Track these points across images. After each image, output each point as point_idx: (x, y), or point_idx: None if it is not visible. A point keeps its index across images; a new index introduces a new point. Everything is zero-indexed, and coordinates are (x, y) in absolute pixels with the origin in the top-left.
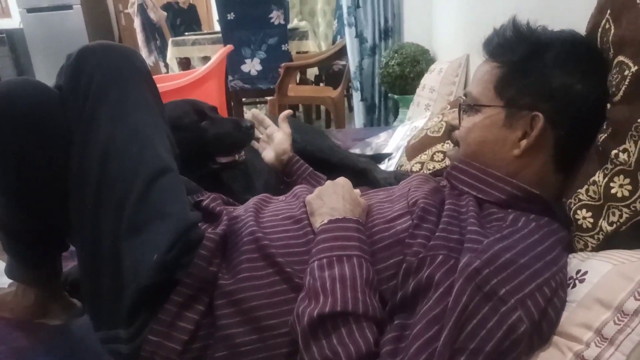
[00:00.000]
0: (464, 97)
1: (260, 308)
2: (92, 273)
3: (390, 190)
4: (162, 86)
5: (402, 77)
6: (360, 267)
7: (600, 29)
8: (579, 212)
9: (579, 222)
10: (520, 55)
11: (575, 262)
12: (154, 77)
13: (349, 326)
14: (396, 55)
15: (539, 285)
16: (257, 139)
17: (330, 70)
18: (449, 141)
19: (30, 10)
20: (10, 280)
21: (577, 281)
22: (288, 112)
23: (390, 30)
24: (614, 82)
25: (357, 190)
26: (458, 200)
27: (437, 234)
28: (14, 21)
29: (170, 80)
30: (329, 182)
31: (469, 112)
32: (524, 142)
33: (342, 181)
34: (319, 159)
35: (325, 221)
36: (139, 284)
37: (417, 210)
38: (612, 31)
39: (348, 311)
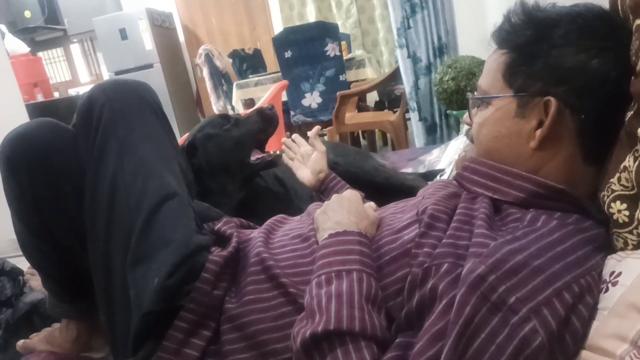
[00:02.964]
0: (473, 93)
1: (265, 332)
2: (106, 306)
3: (409, 201)
4: None
5: (458, 92)
6: (360, 281)
7: None
8: (612, 205)
9: (615, 217)
10: (527, 37)
11: (612, 263)
12: None
13: (346, 346)
14: (450, 70)
15: (558, 291)
16: (292, 159)
17: (392, 95)
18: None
19: (118, 73)
20: None
21: (610, 285)
22: (317, 128)
23: (445, 47)
24: (633, 51)
25: (371, 203)
26: (471, 204)
27: (443, 240)
28: None
29: None
30: (335, 195)
31: (480, 107)
32: (539, 132)
33: (349, 194)
34: (363, 180)
35: (326, 235)
36: (142, 311)
37: (425, 218)
38: None
39: (342, 330)
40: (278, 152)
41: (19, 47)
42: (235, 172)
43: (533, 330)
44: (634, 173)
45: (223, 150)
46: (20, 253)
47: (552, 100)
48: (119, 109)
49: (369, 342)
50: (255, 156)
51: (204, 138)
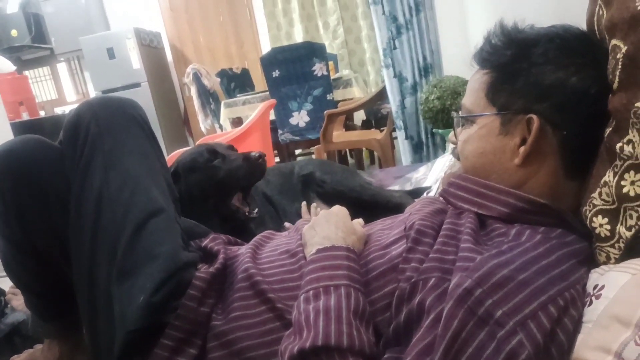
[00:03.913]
0: (458, 112)
1: (252, 349)
2: (90, 322)
3: (397, 217)
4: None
5: (443, 111)
6: (348, 297)
7: (595, 18)
8: (594, 219)
9: (597, 231)
10: (508, 57)
11: (595, 276)
12: (208, 137)
13: None
14: (435, 89)
15: (543, 304)
16: None
17: (379, 114)
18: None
19: (105, 92)
20: None
21: (593, 298)
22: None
23: (430, 67)
24: (610, 69)
25: (360, 220)
26: (457, 219)
27: (430, 255)
28: None
29: (215, 138)
30: (323, 211)
31: (465, 125)
32: (522, 149)
33: (336, 209)
34: (350, 197)
35: (314, 251)
36: (126, 329)
37: (412, 233)
38: (604, 16)
39: (330, 345)
40: (255, 214)
41: (5, 65)
42: (214, 209)
43: (520, 344)
44: (614, 188)
45: (204, 186)
46: (3, 274)
47: (534, 117)
48: (105, 124)
49: (356, 358)
50: (235, 204)
51: (187, 169)
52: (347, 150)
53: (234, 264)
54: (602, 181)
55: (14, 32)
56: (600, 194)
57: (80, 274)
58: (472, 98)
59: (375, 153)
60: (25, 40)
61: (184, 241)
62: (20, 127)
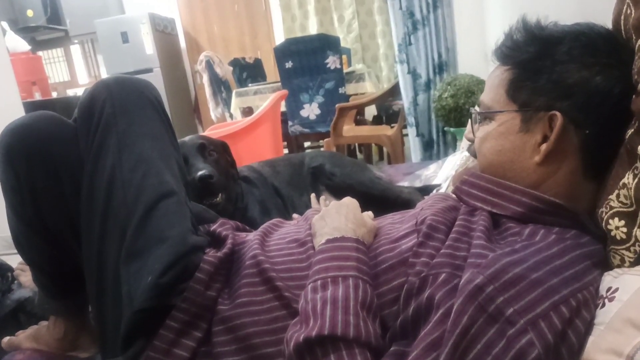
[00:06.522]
0: (476, 108)
1: (258, 335)
2: (97, 301)
3: (408, 212)
4: (217, 132)
5: (456, 109)
6: (356, 288)
7: (622, 17)
8: (611, 221)
9: (612, 234)
10: (531, 54)
11: (609, 279)
12: (218, 125)
13: (339, 352)
14: (449, 87)
15: (555, 304)
16: None
17: (390, 111)
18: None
19: None
20: None
21: (606, 300)
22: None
23: (444, 65)
24: (635, 69)
25: (369, 213)
26: (470, 217)
27: (442, 251)
28: None
29: (225, 126)
30: (333, 202)
31: (483, 122)
32: (544, 146)
33: (347, 201)
34: (359, 191)
35: (323, 241)
36: (134, 308)
37: (423, 228)
38: (633, 15)
39: (336, 335)
40: (217, 200)
41: (20, 44)
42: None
43: (529, 343)
44: (632, 190)
45: None
46: (12, 251)
47: (558, 114)
48: (120, 105)
49: (362, 349)
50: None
51: None
52: (356, 145)
53: (241, 249)
54: (621, 183)
55: (29, 12)
56: (617, 195)
57: (89, 254)
58: (492, 94)
59: (385, 149)
60: (40, 21)
61: (193, 225)
62: (32, 107)
